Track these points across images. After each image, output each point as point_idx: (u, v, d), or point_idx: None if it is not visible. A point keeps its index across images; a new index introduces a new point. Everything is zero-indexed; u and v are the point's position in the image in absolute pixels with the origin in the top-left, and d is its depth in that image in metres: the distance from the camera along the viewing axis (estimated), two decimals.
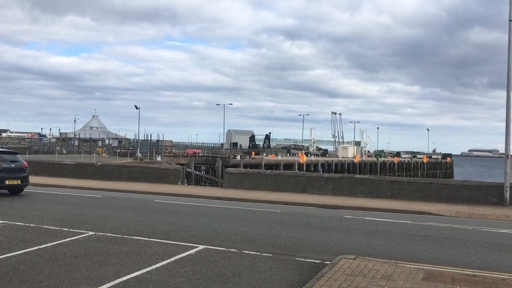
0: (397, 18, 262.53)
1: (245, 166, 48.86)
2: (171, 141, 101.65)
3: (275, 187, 21.28)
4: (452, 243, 10.57)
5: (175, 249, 8.89)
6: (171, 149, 67.66)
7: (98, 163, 27.42)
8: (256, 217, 13.73)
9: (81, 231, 10.48)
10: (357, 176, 22.68)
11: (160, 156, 51.48)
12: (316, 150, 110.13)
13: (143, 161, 45.40)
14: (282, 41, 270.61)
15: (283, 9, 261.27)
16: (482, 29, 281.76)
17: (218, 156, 57.76)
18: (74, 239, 9.63)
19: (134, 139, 78.01)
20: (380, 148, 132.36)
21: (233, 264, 7.94)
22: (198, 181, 32.39)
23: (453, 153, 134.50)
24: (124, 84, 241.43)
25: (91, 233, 10.29)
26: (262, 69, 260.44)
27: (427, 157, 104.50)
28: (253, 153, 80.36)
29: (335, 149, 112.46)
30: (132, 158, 49.46)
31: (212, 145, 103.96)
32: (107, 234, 10.25)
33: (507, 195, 17.77)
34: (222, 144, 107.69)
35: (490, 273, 7.77)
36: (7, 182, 17.21)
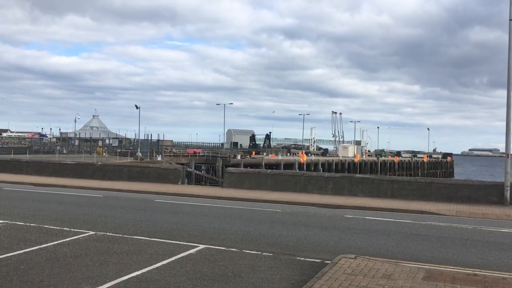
0: (397, 17, 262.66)
1: (245, 166, 48.87)
2: (172, 140, 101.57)
3: (276, 186, 21.28)
4: (453, 242, 10.57)
5: (176, 249, 8.90)
6: (171, 149, 67.62)
7: (99, 163, 27.43)
8: (256, 216, 13.74)
9: (82, 230, 10.49)
10: (358, 175, 22.67)
11: (160, 155, 51.49)
12: (316, 149, 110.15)
13: (143, 160, 45.40)
14: (282, 41, 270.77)
15: (283, 9, 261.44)
16: (482, 29, 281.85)
17: (219, 155, 57.74)
18: (75, 238, 9.64)
19: (134, 139, 78.03)
20: (380, 148, 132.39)
21: (234, 264, 7.94)
22: (199, 181, 32.37)
23: (453, 153, 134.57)
24: (124, 84, 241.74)
25: (91, 232, 10.30)
26: (262, 69, 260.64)
27: (427, 156, 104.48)
28: (254, 152, 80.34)
29: (335, 149, 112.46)
30: (132, 158, 49.44)
31: (212, 144, 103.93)
32: (107, 233, 10.26)
33: (508, 194, 17.76)
34: (222, 144, 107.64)
35: (490, 272, 7.77)
36: None
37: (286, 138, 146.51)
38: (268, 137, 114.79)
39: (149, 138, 61.78)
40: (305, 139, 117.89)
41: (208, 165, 43.09)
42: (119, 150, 63.19)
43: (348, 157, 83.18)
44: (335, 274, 7.07)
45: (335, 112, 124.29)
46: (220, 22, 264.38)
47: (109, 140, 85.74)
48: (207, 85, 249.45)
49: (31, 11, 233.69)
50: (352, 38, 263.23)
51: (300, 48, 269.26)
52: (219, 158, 51.44)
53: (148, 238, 9.87)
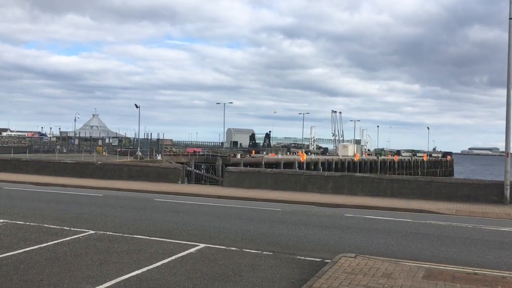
0: (396, 16, 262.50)
1: (245, 165, 48.87)
2: (171, 140, 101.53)
3: (276, 185, 21.28)
4: (453, 241, 10.57)
5: (176, 248, 8.90)
6: (171, 148, 67.63)
7: (99, 162, 27.43)
8: (256, 215, 13.74)
9: (82, 230, 10.49)
10: (358, 174, 22.68)
11: (160, 155, 51.48)
12: (316, 148, 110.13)
13: (143, 160, 45.39)
14: (281, 40, 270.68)
15: (283, 8, 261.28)
16: (482, 27, 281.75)
17: (218, 155, 57.76)
18: (75, 238, 9.64)
19: (134, 138, 78.03)
20: (380, 147, 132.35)
21: (234, 263, 7.95)
22: (199, 180, 32.37)
23: (453, 152, 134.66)
24: (124, 83, 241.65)
25: (91, 232, 10.30)
26: (262, 68, 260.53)
27: (427, 155, 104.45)
28: (253, 151, 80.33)
29: (335, 148, 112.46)
30: (132, 157, 49.41)
31: (212, 144, 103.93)
32: (107, 233, 10.26)
33: (507, 193, 17.76)
34: (222, 143, 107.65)
35: (490, 271, 7.78)
36: None
37: (286, 137, 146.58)
38: (268, 136, 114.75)
39: (149, 137, 61.69)
40: (305, 138, 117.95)
41: (208, 164, 43.15)
42: (119, 149, 63.22)
43: (348, 156, 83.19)
44: (335, 273, 7.08)
45: (335, 111, 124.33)
46: (220, 21, 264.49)
47: (109, 139, 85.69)
48: (207, 84, 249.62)
49: (31, 10, 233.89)
50: (352, 37, 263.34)
51: (300, 47, 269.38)
52: (219, 157, 51.47)
53: (148, 237, 9.87)
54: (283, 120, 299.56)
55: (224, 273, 7.32)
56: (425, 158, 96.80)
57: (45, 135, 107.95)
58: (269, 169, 24.89)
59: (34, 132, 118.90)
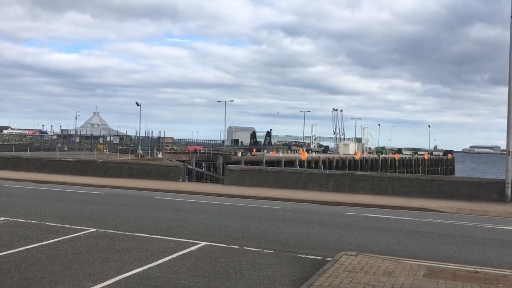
0: (397, 14, 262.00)
1: (246, 163, 48.88)
2: (172, 138, 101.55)
3: (277, 184, 21.28)
4: (454, 239, 10.57)
5: (177, 246, 8.91)
6: (172, 146, 67.64)
7: (100, 160, 27.44)
8: (257, 213, 13.74)
9: (83, 227, 10.50)
10: (359, 172, 22.68)
11: (161, 153, 51.48)
12: (317, 146, 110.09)
13: (144, 158, 45.42)
14: (282, 38, 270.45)
15: (284, 6, 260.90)
16: (483, 26, 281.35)
17: (219, 153, 57.72)
18: (76, 235, 9.65)
19: (135, 136, 78.07)
20: (381, 145, 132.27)
21: (235, 261, 7.95)
22: (199, 178, 32.38)
23: (454, 150, 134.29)
24: (125, 81, 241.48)
25: (92, 229, 10.31)
26: (263, 66, 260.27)
27: (428, 153, 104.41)
28: (254, 150, 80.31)
29: (336, 146, 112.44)
30: (133, 155, 49.45)
31: (213, 142, 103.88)
32: (109, 230, 10.26)
33: (509, 191, 17.75)
34: (223, 141, 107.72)
35: (491, 270, 7.77)
36: None
37: (287, 135, 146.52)
38: (269, 134, 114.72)
39: (150, 135, 61.71)
40: (306, 136, 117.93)
41: (209, 162, 43.11)
42: (120, 147, 63.19)
43: (349, 154, 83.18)
44: (336, 271, 7.07)
45: (336, 109, 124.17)
46: (221, 19, 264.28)
47: (110, 137, 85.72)
48: (207, 82, 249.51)
49: (32, 8, 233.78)
50: (353, 35, 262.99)
51: (300, 45, 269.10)
52: (220, 155, 51.45)
53: (149, 235, 9.87)
54: (284, 118, 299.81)
55: (225, 271, 7.32)
56: (426, 157, 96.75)
57: (46, 133, 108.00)
58: (270, 167, 24.89)
59: (35, 130, 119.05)
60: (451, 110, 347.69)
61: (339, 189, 20.17)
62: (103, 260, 7.71)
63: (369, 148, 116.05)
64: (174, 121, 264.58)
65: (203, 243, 9.20)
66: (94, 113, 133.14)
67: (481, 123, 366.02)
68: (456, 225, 12.57)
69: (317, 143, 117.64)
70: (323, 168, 59.22)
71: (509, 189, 17.75)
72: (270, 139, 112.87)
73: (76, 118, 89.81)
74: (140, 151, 52.26)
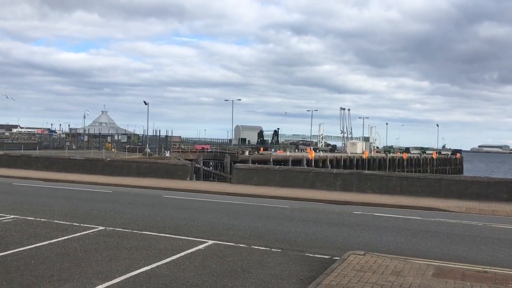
0: (405, 13, 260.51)
1: (253, 162, 48.90)
2: (180, 136, 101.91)
3: (284, 182, 21.27)
4: (462, 239, 10.51)
5: (185, 244, 8.93)
6: (179, 145, 67.85)
7: (108, 159, 27.57)
8: (265, 212, 13.75)
9: (92, 226, 10.56)
10: (366, 172, 22.60)
11: (169, 151, 51.63)
12: (324, 146, 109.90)
13: (152, 156, 45.54)
14: (289, 37, 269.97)
15: (291, 5, 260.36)
16: (492, 24, 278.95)
17: (227, 151, 57.77)
18: (85, 233, 9.71)
19: (143, 135, 78.25)
20: (389, 144, 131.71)
21: (242, 259, 7.95)
22: (207, 177, 32.46)
23: (463, 149, 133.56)
24: (133, 80, 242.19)
25: (101, 228, 10.36)
26: (270, 65, 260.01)
27: (436, 153, 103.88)
28: (262, 148, 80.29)
29: (343, 145, 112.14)
30: (141, 154, 49.61)
31: (220, 140, 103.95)
32: (117, 229, 10.31)
33: None
34: (230, 140, 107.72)
35: (501, 270, 7.72)
36: None
37: (294, 134, 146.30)
38: (276, 133, 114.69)
39: (158, 134, 61.82)
40: (313, 135, 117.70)
41: (216, 161, 43.21)
42: (128, 146, 63.38)
43: (356, 153, 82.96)
44: (344, 271, 7.06)
45: (343, 108, 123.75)
46: (228, 18, 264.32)
47: (118, 136, 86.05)
48: (215, 81, 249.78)
49: (40, 7, 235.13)
50: (360, 33, 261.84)
51: (307, 44, 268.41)
52: (227, 154, 51.53)
53: (157, 234, 9.90)
54: (291, 117, 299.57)
55: (233, 269, 7.33)
56: (434, 156, 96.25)
57: (54, 131, 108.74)
58: (278, 166, 24.88)
59: (44, 128, 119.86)
60: (460, 109, 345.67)
61: (346, 188, 20.13)
62: (112, 258, 7.75)
63: (377, 147, 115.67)
64: (181, 120, 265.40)
65: (210, 242, 9.21)
66: (102, 112, 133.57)
67: (490, 122, 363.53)
68: (465, 225, 12.50)
69: (325, 142, 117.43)
70: (331, 167, 59.06)
71: None
72: (278, 138, 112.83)
73: (84, 117, 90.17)
74: (148, 150, 52.42)
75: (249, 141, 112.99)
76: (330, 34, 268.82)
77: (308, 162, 61.13)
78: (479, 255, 9.00)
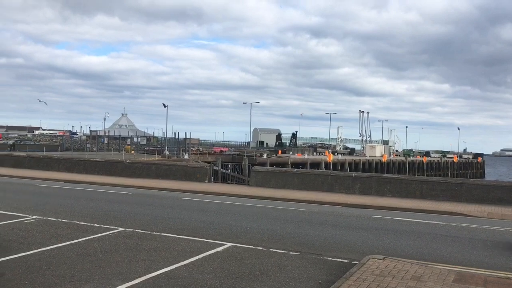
0: (425, 15, 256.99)
1: (271, 165, 48.82)
2: (198, 139, 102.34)
3: (302, 185, 21.21)
4: (484, 244, 10.32)
5: (203, 246, 8.97)
6: (198, 147, 68.17)
7: (128, 161, 27.88)
8: (283, 215, 13.72)
9: (112, 227, 10.68)
10: (386, 175, 22.38)
11: (187, 154, 51.94)
12: (343, 149, 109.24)
13: (170, 159, 45.89)
14: (308, 39, 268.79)
15: (309, 7, 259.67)
16: None
17: (245, 154, 57.84)
18: (105, 234, 9.83)
19: (162, 137, 79.03)
20: (408, 147, 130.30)
21: (261, 262, 7.95)
22: (225, 179, 32.56)
23: (484, 153, 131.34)
24: (152, 83, 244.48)
25: (121, 229, 10.48)
26: (288, 68, 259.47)
27: (457, 156, 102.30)
28: (280, 151, 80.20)
29: (362, 148, 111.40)
30: (160, 156, 50.04)
31: (238, 143, 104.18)
32: (136, 230, 10.41)
33: None
34: (248, 143, 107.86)
35: None
36: None
37: (312, 137, 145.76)
38: (294, 136, 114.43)
39: (176, 137, 62.31)
40: (332, 138, 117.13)
41: (235, 164, 43.28)
42: (147, 148, 63.99)
43: (375, 156, 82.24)
44: (363, 275, 7.00)
45: (362, 111, 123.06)
46: (246, 21, 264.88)
47: (137, 138, 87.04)
48: (233, 84, 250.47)
49: (62, 11, 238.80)
50: (380, 36, 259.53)
51: (326, 46, 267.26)
52: (245, 157, 51.57)
53: (176, 235, 9.97)
54: (309, 120, 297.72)
55: (251, 272, 7.33)
56: (455, 160, 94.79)
57: (75, 133, 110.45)
58: (296, 169, 24.82)
59: (65, 130, 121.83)
60: (481, 112, 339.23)
61: (365, 192, 19.97)
62: (131, 259, 7.83)
63: (396, 151, 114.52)
64: (200, 123, 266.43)
65: (229, 244, 9.23)
66: (122, 114, 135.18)
67: None
68: (487, 230, 12.28)
69: (343, 145, 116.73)
70: (349, 171, 58.66)
71: None
72: (296, 140, 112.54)
73: (104, 119, 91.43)
74: (167, 152, 52.88)
75: (267, 143, 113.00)
76: (348, 36, 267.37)
77: (327, 165, 60.84)
78: (502, 261, 8.83)
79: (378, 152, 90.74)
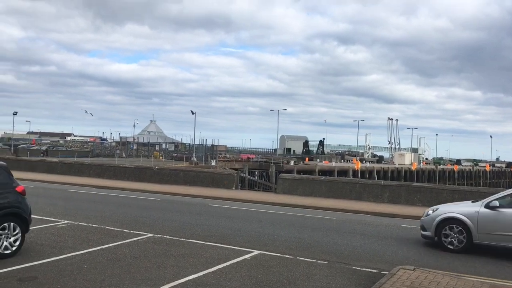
0: (455, 21, 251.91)
1: (298, 172, 48.67)
2: (226, 146, 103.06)
3: (330, 193, 21.03)
4: None
5: (231, 253, 8.98)
6: (225, 154, 68.59)
7: (156, 167, 28.22)
8: (310, 223, 13.62)
9: (141, 232, 10.81)
10: (415, 184, 21.98)
11: (214, 160, 52.30)
12: (371, 156, 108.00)
13: (198, 165, 46.27)
14: (335, 46, 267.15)
15: (337, 14, 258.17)
16: None
17: (272, 161, 57.85)
18: (134, 240, 9.95)
19: (189, 144, 79.74)
20: (439, 156, 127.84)
21: (288, 271, 7.90)
22: (252, 186, 32.57)
23: None
24: (180, 90, 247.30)
25: (150, 234, 10.59)
26: (316, 75, 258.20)
27: (490, 165, 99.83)
28: (307, 159, 79.90)
29: (391, 156, 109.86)
30: (187, 162, 50.51)
31: (265, 150, 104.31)
32: (165, 236, 10.51)
33: None
34: (275, 150, 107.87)
35: None
36: None
37: (340, 145, 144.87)
38: (321, 143, 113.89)
39: (204, 143, 62.84)
40: (360, 146, 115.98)
41: (262, 171, 43.28)
42: (175, 154, 64.78)
43: (404, 164, 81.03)
44: (393, 286, 6.87)
45: (391, 119, 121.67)
46: (274, 29, 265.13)
47: (166, 145, 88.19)
48: (260, 91, 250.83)
49: (94, 20, 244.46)
50: (409, 42, 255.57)
51: (354, 53, 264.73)
52: (272, 164, 51.53)
53: (203, 242, 10.01)
54: (337, 127, 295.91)
55: (278, 280, 7.29)
56: (487, 168, 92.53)
57: (106, 140, 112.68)
58: (323, 177, 24.64)
59: (96, 137, 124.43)
60: None
61: (394, 201, 19.65)
62: (160, 265, 7.90)
63: (426, 159, 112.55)
64: (227, 129, 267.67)
65: (256, 252, 9.22)
66: (151, 121, 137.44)
67: None
68: None
69: (371, 153, 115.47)
70: (378, 179, 57.90)
71: None
72: (323, 148, 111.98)
73: (134, 126, 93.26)
74: (195, 159, 53.33)
75: (294, 151, 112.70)
76: (377, 43, 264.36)
77: (354, 173, 60.29)
78: None
79: (407, 160, 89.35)
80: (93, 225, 11.57)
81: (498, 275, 8.28)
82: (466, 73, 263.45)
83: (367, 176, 61.38)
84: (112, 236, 10.23)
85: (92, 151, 68.13)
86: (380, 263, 8.87)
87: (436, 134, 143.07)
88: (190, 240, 10.16)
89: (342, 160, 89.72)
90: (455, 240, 10.27)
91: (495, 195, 10.67)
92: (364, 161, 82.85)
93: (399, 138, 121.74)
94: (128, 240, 9.87)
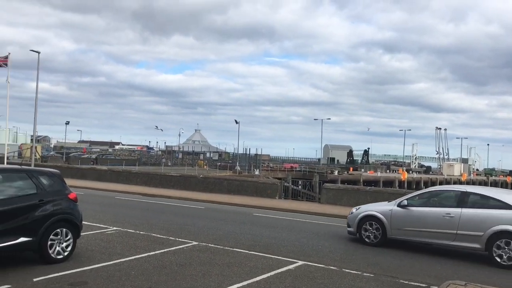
0: (508, 27, 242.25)
1: (342, 182, 48.05)
2: (269, 155, 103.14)
3: None
4: None
5: (275, 263, 8.95)
6: (268, 163, 68.67)
7: (201, 176, 28.60)
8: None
9: (186, 240, 10.97)
10: None
11: (258, 170, 52.45)
12: (418, 167, 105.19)
13: (242, 174, 46.54)
14: (381, 55, 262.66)
15: (382, 22, 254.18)
16: None
17: (315, 171, 57.42)
18: (180, 248, 10.10)
19: (233, 153, 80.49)
20: (490, 166, 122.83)
21: (333, 282, 7.80)
22: (295, 196, 32.41)
23: None
24: (224, 100, 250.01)
25: (195, 243, 10.73)
26: (360, 83, 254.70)
27: None
28: (351, 168, 78.78)
29: (439, 166, 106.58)
30: (231, 171, 50.94)
31: (309, 160, 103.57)
32: (209, 244, 10.61)
33: None
34: (319, 159, 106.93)
35: None
36: None
37: (385, 155, 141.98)
38: (366, 153, 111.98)
39: (248, 152, 63.27)
40: (406, 156, 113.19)
41: (305, 180, 43.07)
42: (219, 163, 65.45)
43: (453, 175, 78.42)
44: None
45: (439, 128, 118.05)
46: (317, 38, 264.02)
47: (210, 154, 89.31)
48: (304, 100, 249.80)
49: (142, 32, 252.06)
50: (457, 50, 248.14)
51: (400, 61, 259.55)
52: (316, 174, 51.09)
53: (247, 251, 10.04)
54: (382, 137, 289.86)
55: None
56: None
57: (152, 148, 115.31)
58: (368, 187, 24.21)
59: (143, 146, 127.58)
60: None
61: None
62: (205, 274, 7.98)
63: (477, 170, 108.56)
64: (270, 139, 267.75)
65: (300, 262, 9.15)
66: (195, 130, 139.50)
67: None
68: None
69: (418, 163, 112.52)
70: None
71: None
72: (368, 158, 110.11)
73: (179, 135, 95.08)
74: (238, 168, 53.72)
75: (338, 160, 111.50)
76: (424, 51, 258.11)
77: (400, 183, 58.89)
78: None
79: (456, 171, 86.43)
80: (141, 232, 11.84)
81: None
82: None
83: (414, 187, 59.78)
84: (158, 243, 10.44)
85: (139, 159, 69.86)
86: (429, 277, 8.61)
87: (488, 144, 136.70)
88: (235, 249, 10.21)
89: (388, 170, 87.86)
90: (371, 235, 11.59)
91: (407, 195, 11.89)
92: (410, 172, 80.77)
93: (447, 148, 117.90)
94: (174, 248, 10.03)
